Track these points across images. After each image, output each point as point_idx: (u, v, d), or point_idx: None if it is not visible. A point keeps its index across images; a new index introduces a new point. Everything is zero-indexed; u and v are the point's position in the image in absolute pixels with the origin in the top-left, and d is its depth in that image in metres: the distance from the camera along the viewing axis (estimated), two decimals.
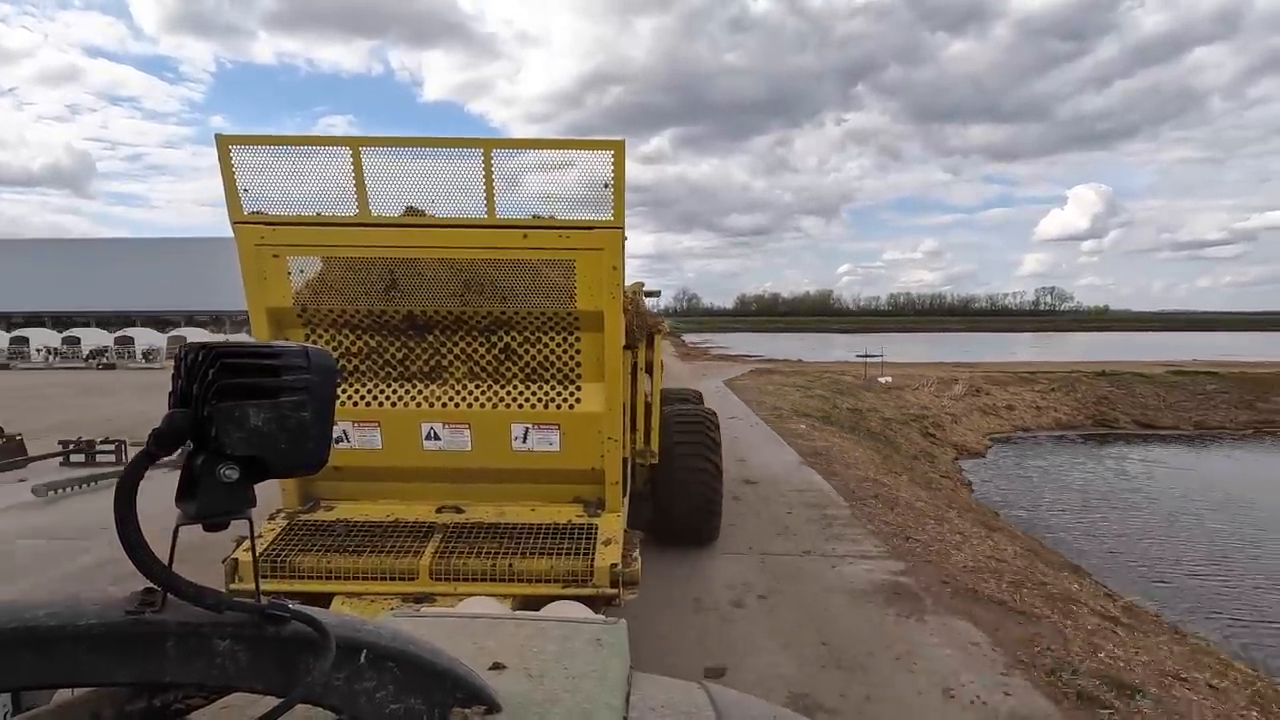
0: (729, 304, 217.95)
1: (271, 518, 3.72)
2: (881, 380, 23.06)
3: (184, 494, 0.60)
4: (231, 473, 0.58)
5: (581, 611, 2.10)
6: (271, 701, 0.59)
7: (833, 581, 5.34)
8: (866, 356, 25.58)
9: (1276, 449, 18.90)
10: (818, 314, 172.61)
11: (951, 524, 8.07)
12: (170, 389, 0.63)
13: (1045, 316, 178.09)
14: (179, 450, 0.60)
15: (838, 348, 34.71)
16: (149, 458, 0.58)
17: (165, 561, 0.58)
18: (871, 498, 8.36)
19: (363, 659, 0.65)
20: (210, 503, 0.59)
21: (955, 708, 3.69)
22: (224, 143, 3.40)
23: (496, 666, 0.92)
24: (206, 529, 0.60)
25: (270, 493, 3.84)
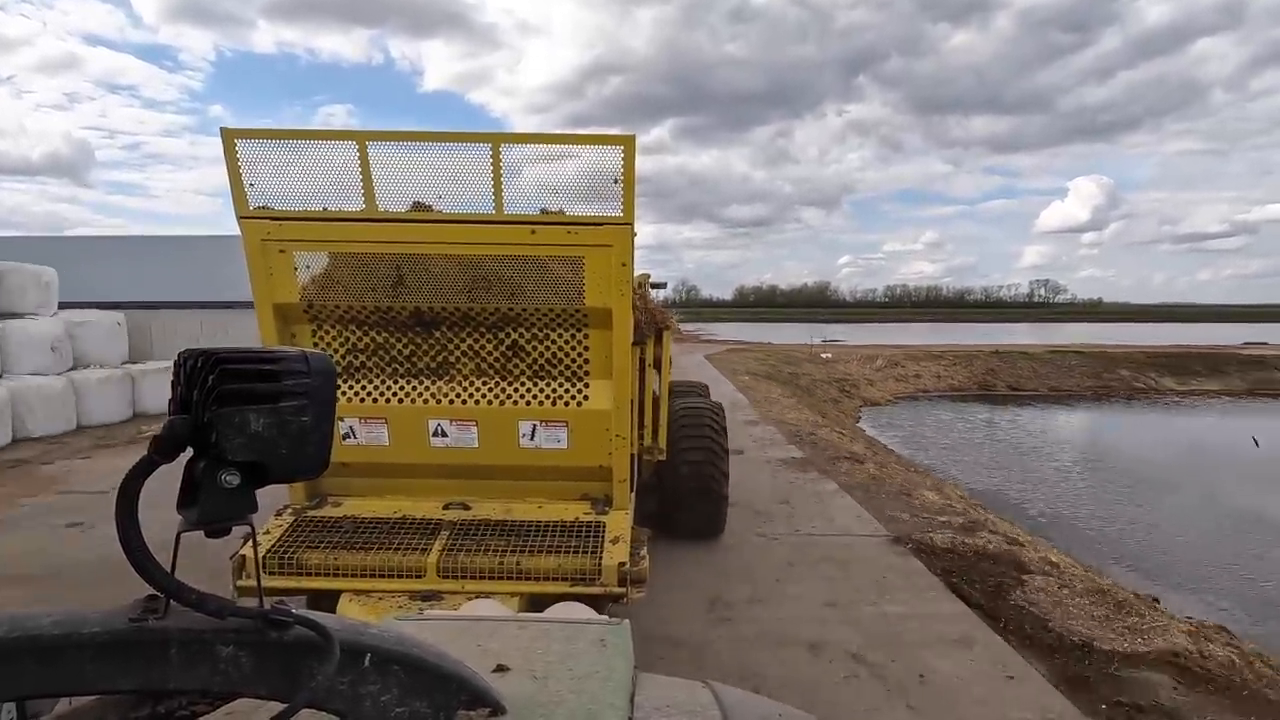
0: (728, 295, 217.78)
1: (278, 514, 3.73)
2: (823, 355, 29.28)
3: (185, 500, 0.60)
4: (232, 478, 0.58)
5: (585, 612, 2.10)
6: (276, 706, 0.59)
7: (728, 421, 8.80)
8: (811, 339, 33.91)
9: (1094, 406, 24.96)
10: (815, 305, 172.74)
11: (800, 412, 14.97)
12: (170, 395, 0.63)
13: (1039, 308, 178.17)
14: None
15: (820, 336, 42.12)
16: (150, 464, 0.58)
17: (168, 567, 0.58)
18: (767, 404, 15.43)
19: (367, 662, 0.65)
20: (212, 509, 0.59)
21: (757, 442, 10.42)
22: (229, 136, 3.37)
23: (500, 669, 0.92)
24: (208, 535, 0.60)
25: (277, 490, 3.86)
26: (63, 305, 11.96)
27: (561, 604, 2.96)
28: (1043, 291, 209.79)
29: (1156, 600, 5.82)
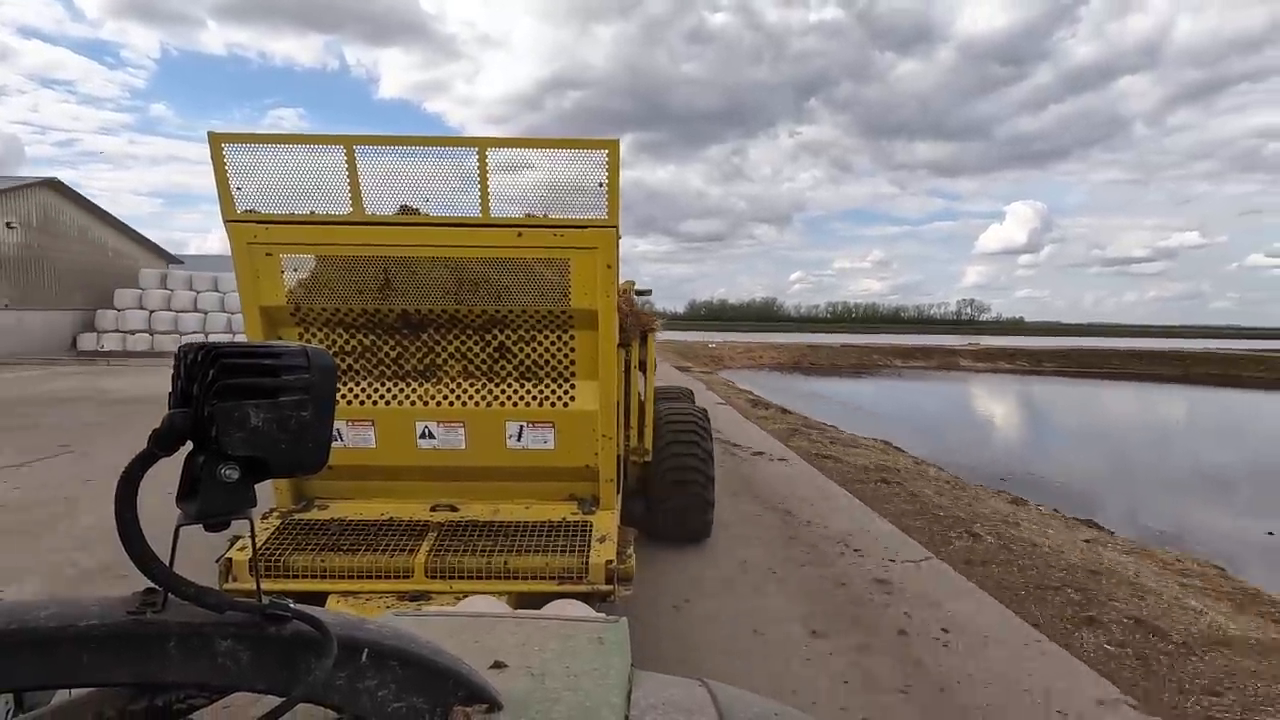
0: (681, 309, 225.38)
1: (265, 517, 3.70)
2: (710, 345, 46.10)
3: (185, 494, 0.59)
4: (232, 473, 0.58)
5: (582, 610, 2.09)
6: (273, 701, 0.59)
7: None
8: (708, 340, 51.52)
9: (844, 373, 38.57)
10: (762, 319, 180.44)
11: (682, 364, 31.30)
12: (170, 389, 0.63)
13: (965, 325, 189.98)
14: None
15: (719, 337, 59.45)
16: (149, 458, 0.58)
17: (166, 561, 0.58)
18: (666, 361, 27.91)
19: (364, 658, 0.65)
20: (211, 503, 0.58)
21: (680, 378, 21.42)
22: (216, 140, 3.37)
23: (498, 665, 0.92)
24: (207, 529, 0.60)
25: (263, 495, 3.83)
26: None
27: (558, 601, 2.96)
28: (969, 310, 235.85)
29: (767, 404, 18.44)
